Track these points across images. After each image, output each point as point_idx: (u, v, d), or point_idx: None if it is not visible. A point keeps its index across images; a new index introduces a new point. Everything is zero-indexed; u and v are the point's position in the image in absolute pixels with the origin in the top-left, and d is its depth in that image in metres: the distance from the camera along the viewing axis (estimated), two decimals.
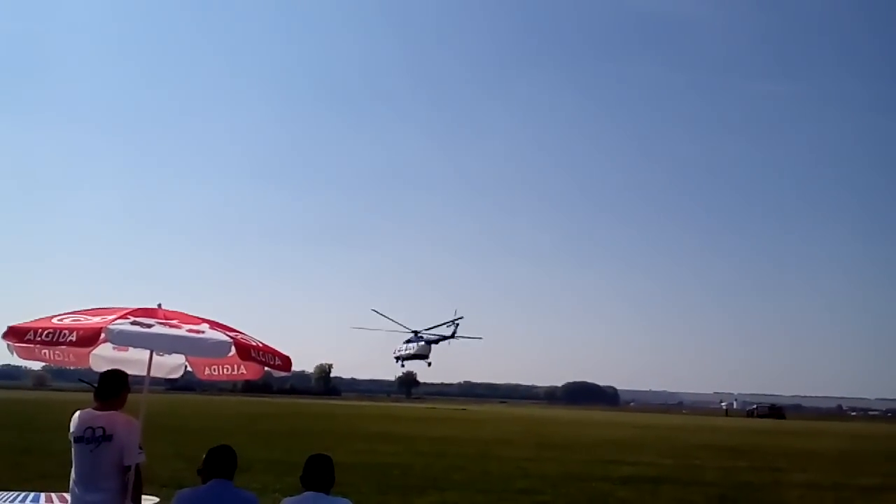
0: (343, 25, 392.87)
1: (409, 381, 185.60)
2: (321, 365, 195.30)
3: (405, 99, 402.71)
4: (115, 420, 5.26)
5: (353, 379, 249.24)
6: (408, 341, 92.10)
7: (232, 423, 36.54)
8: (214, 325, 5.49)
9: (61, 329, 4.98)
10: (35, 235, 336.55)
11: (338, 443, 24.62)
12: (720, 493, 15.49)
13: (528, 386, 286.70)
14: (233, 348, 5.14)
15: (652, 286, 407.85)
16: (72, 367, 6.35)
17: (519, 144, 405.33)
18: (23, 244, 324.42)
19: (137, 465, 5.23)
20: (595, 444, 30.74)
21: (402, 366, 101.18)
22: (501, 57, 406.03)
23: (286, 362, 5.72)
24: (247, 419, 42.04)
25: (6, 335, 5.09)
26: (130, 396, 5.54)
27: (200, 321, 5.48)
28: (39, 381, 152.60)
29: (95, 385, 5.46)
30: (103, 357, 5.97)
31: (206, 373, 6.46)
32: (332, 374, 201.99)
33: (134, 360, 5.90)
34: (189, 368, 6.53)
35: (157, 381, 6.49)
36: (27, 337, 5.03)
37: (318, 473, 4.75)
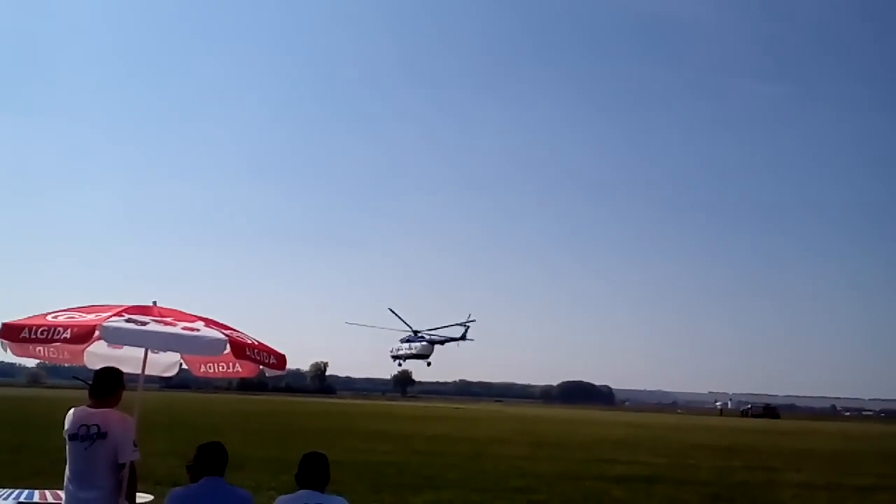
0: (340, 24, 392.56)
1: (404, 379, 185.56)
2: (316, 363, 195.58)
3: (402, 97, 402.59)
4: (109, 418, 5.25)
5: (348, 377, 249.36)
6: (408, 340, 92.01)
7: (227, 421, 36.51)
8: (209, 322, 5.48)
9: (56, 326, 4.97)
10: (30, 233, 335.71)
11: (333, 441, 24.61)
12: (714, 492, 15.54)
13: (523, 385, 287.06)
14: (228, 346, 5.14)
15: (647, 286, 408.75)
16: (66, 365, 6.34)
17: (516, 144, 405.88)
18: (17, 241, 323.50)
19: (132, 463, 5.23)
20: (590, 443, 30.80)
21: (400, 364, 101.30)
22: (499, 56, 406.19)
23: (281, 361, 5.73)
24: (242, 417, 42.01)
25: (0, 332, 5.08)
26: (125, 394, 5.53)
27: (195, 319, 5.48)
28: (34, 378, 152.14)
29: (90, 383, 5.45)
30: (98, 354, 5.95)
31: (201, 371, 6.46)
32: (327, 373, 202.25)
33: (129, 358, 5.89)
34: (184, 366, 6.52)
35: (151, 379, 6.49)
36: (21, 334, 5.02)
37: (314, 471, 4.75)
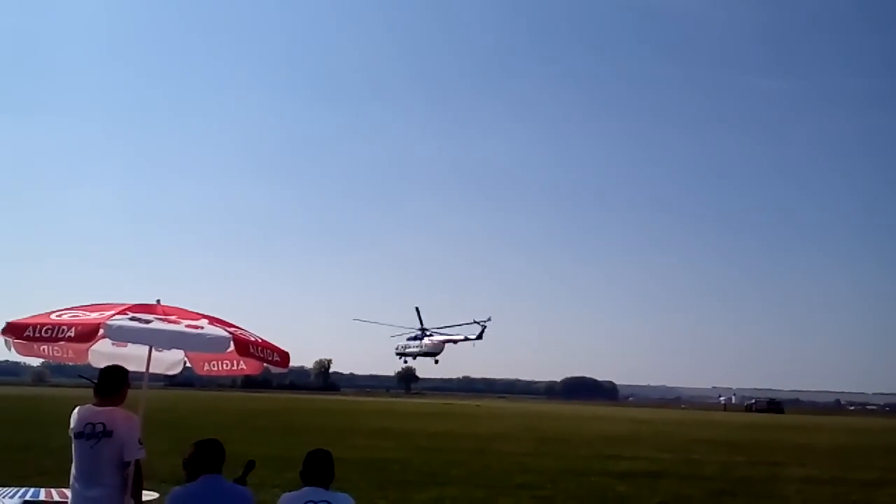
0: (342, 22, 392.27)
1: (408, 376, 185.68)
2: (320, 360, 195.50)
3: (403, 95, 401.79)
4: (115, 416, 5.26)
5: (352, 374, 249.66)
6: (415, 338, 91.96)
7: (231, 419, 36.59)
8: (213, 320, 5.49)
9: (60, 325, 4.97)
10: (33, 232, 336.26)
11: (337, 438, 24.64)
12: (719, 487, 15.54)
13: (526, 381, 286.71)
14: (231, 344, 5.14)
15: (650, 281, 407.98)
16: (71, 363, 6.35)
17: (516, 140, 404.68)
18: (21, 241, 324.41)
19: (137, 461, 5.24)
20: (594, 439, 30.80)
21: (405, 362, 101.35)
22: (501, 54, 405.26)
23: (285, 358, 5.73)
24: (246, 415, 42.09)
25: (4, 331, 5.09)
26: (130, 392, 5.54)
27: (199, 317, 5.48)
28: (38, 377, 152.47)
29: (95, 381, 5.46)
30: (102, 353, 5.96)
31: (205, 368, 6.46)
32: (331, 370, 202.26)
33: (133, 356, 5.90)
34: (188, 364, 6.53)
35: (156, 377, 6.50)
36: (26, 333, 5.02)
37: (318, 469, 4.75)
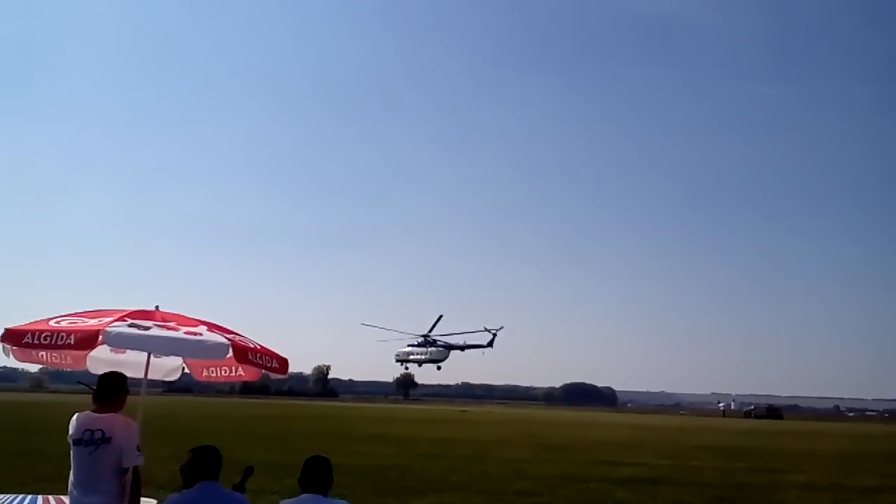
0: (342, 27, 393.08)
1: (407, 382, 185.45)
2: (319, 366, 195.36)
3: (403, 100, 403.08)
4: (113, 422, 5.25)
5: (350, 380, 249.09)
6: (419, 345, 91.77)
7: (230, 425, 36.50)
8: (212, 327, 5.50)
9: (59, 332, 4.98)
10: (32, 237, 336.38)
11: (336, 444, 24.59)
12: (718, 494, 15.51)
13: (526, 387, 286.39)
14: (230, 350, 5.15)
15: (649, 287, 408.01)
16: (69, 370, 6.35)
17: (517, 146, 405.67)
18: (19, 246, 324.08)
19: (136, 468, 5.23)
20: (593, 445, 30.76)
21: (406, 368, 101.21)
22: (499, 59, 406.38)
23: (283, 364, 5.74)
24: (244, 421, 42.02)
25: (3, 338, 5.10)
26: (129, 398, 5.53)
27: (198, 323, 5.49)
28: (37, 383, 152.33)
29: (94, 387, 5.45)
30: (101, 359, 5.97)
31: (203, 374, 6.47)
32: (329, 376, 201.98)
33: (131, 362, 5.90)
34: (186, 370, 6.54)
35: (154, 383, 6.50)
36: (24, 339, 5.03)
37: (316, 475, 4.74)
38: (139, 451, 5.24)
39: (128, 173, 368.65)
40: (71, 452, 5.26)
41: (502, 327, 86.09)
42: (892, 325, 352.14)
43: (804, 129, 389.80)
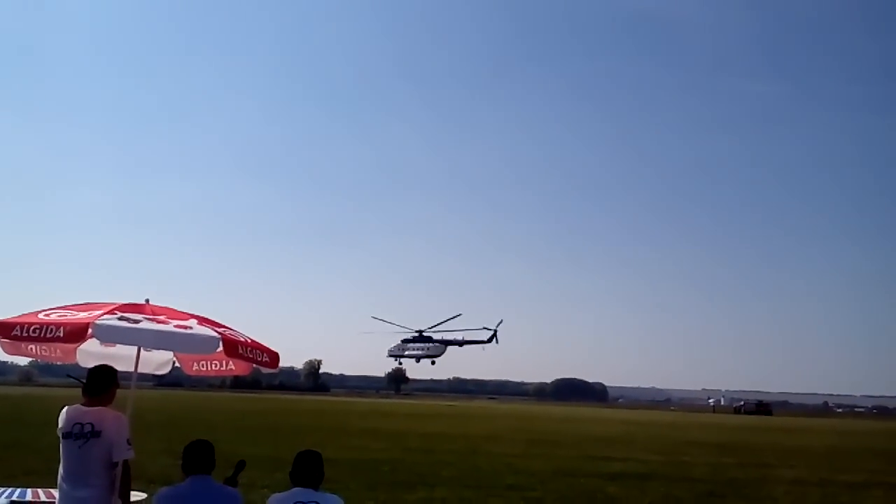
0: (335, 23, 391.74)
1: (398, 377, 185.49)
2: (310, 361, 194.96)
3: (397, 97, 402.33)
4: (103, 416, 5.22)
5: (342, 375, 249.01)
6: (412, 340, 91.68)
7: (220, 419, 36.45)
8: (202, 320, 5.46)
9: (48, 324, 4.93)
10: (22, 232, 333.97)
11: (327, 439, 24.59)
12: (708, 489, 15.59)
13: (517, 382, 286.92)
14: (220, 344, 5.12)
15: (641, 284, 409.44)
16: (59, 363, 6.31)
17: (510, 143, 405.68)
18: (9, 240, 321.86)
19: (126, 461, 5.20)
20: (584, 441, 30.85)
21: (399, 363, 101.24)
22: (493, 55, 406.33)
23: (274, 359, 5.71)
24: (235, 415, 41.94)
25: None
26: (118, 392, 5.50)
27: (188, 317, 5.46)
28: (26, 376, 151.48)
29: (84, 381, 5.42)
30: (90, 352, 5.92)
31: (194, 368, 6.44)
32: (321, 371, 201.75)
33: (121, 356, 5.87)
34: (177, 364, 6.50)
35: (145, 377, 6.47)
36: (13, 332, 4.98)
37: (307, 469, 4.73)
38: (129, 444, 5.20)
39: (118, 168, 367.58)
40: (60, 446, 5.23)
41: (502, 321, 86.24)
42: (881, 323, 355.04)
43: (798, 126, 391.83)
